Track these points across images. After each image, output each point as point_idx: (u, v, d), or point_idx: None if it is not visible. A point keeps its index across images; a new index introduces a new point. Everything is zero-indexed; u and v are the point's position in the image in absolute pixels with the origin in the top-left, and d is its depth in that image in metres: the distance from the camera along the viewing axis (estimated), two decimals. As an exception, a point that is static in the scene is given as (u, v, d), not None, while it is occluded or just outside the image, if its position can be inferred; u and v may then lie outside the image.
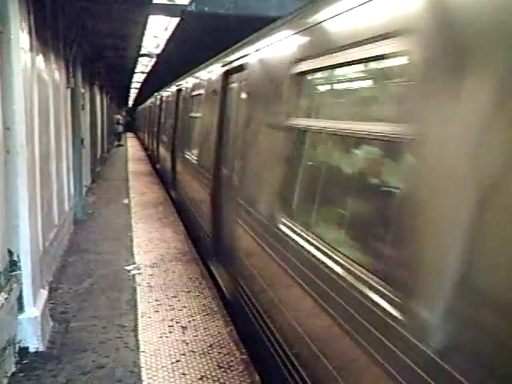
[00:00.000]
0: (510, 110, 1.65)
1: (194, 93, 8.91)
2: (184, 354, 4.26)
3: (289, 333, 3.40)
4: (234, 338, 4.57)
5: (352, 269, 2.52)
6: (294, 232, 3.31)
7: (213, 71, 7.24)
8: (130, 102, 44.79)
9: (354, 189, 2.91)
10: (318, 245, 2.96)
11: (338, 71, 3.16)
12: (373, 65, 2.73)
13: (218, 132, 6.20)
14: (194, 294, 5.63)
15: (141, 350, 4.32)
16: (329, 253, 2.80)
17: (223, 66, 6.36)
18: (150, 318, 4.97)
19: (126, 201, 11.28)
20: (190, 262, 6.78)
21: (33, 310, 4.26)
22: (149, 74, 19.48)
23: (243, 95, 5.15)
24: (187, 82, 10.12)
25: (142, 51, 12.19)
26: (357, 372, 2.49)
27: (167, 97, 14.39)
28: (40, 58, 5.55)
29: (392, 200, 2.39)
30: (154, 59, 15.49)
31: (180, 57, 13.59)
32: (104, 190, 12.92)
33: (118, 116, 30.79)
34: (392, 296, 2.13)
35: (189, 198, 8.69)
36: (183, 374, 3.95)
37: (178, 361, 4.15)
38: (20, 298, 4.17)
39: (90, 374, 3.93)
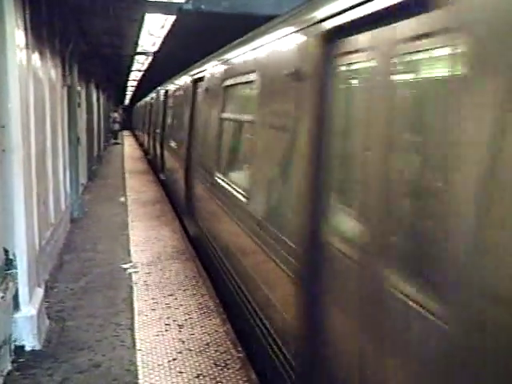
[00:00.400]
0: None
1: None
2: (181, 353, 4.26)
3: (222, 243, 5.53)
4: (230, 337, 4.57)
5: (236, 187, 4.82)
6: (222, 180, 5.46)
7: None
8: (127, 101, 44.68)
9: (242, 151, 5.15)
10: (229, 182, 5.19)
11: (237, 88, 5.32)
12: (246, 86, 4.86)
13: (190, 126, 8.10)
14: (190, 292, 5.63)
15: (137, 348, 4.32)
16: (232, 185, 5.00)
17: (192, 75, 8.36)
18: (146, 316, 4.97)
19: (122, 199, 11.26)
20: (187, 261, 6.78)
21: (29, 308, 4.25)
22: (145, 72, 19.43)
23: (201, 98, 7.34)
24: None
25: (139, 49, 12.15)
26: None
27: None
28: (36, 56, 5.53)
29: (251, 151, 4.52)
30: (151, 57, 15.46)
31: (177, 55, 13.54)
32: (100, 188, 12.89)
33: (115, 114, 30.71)
34: (243, 192, 4.46)
35: (172, 179, 10.44)
36: (180, 373, 3.95)
37: (174, 359, 4.15)
38: (16, 297, 4.16)
39: (87, 372, 3.94)
